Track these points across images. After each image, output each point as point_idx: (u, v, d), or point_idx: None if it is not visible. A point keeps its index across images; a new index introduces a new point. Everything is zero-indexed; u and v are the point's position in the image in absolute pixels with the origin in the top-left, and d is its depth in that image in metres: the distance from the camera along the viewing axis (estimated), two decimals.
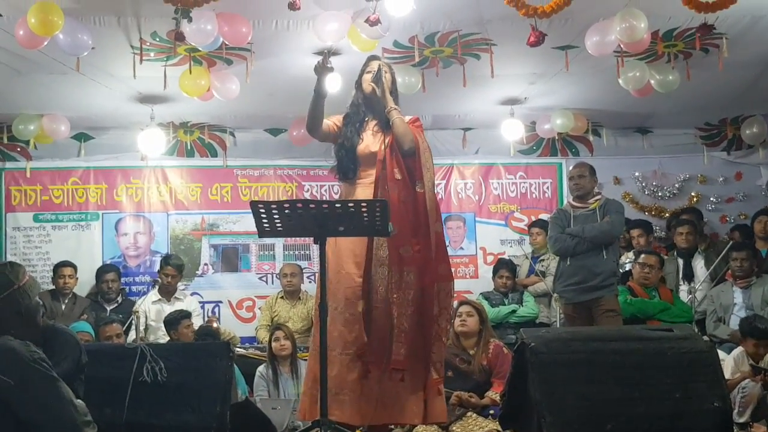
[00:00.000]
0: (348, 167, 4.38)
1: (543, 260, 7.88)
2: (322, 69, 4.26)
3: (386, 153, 4.26)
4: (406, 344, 4.12)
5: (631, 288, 6.89)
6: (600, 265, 6.22)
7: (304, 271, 8.20)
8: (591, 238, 6.25)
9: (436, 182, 4.48)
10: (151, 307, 7.68)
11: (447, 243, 4.79)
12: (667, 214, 8.84)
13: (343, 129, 4.46)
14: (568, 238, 6.33)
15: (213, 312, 8.43)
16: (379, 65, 4.43)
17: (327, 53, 4.37)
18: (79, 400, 3.49)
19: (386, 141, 4.31)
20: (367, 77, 4.44)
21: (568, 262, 6.36)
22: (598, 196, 6.52)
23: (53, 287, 7.79)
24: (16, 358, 3.32)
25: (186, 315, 7.05)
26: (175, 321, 6.95)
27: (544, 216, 8.58)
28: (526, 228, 8.64)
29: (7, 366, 3.29)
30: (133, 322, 7.10)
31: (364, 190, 4.31)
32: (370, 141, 4.38)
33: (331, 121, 4.52)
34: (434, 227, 4.27)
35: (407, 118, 4.38)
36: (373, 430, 4.28)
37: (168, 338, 7.00)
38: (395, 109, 4.32)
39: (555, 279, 6.67)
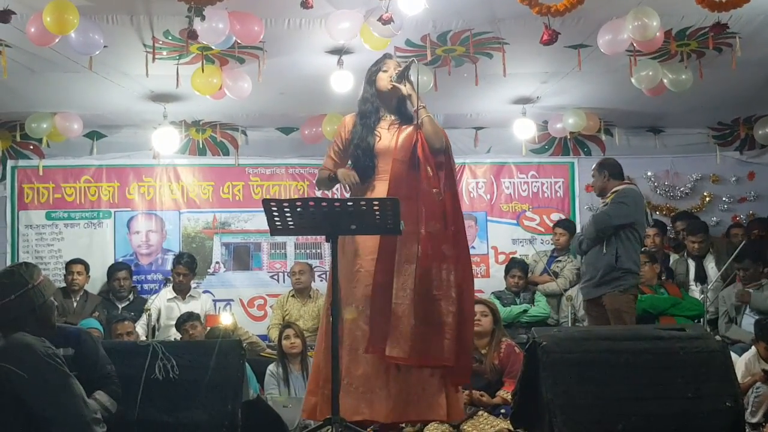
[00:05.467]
0: (367, 165, 4.33)
1: (560, 260, 7.86)
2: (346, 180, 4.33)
3: (418, 150, 4.20)
4: (453, 340, 4.08)
5: (639, 288, 6.85)
6: (599, 260, 6.04)
7: (315, 269, 8.21)
8: (587, 233, 6.20)
9: None
10: (165, 305, 7.72)
11: None
12: None
13: (354, 129, 4.42)
14: (578, 236, 6.32)
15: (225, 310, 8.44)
16: (407, 64, 4.33)
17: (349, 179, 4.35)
18: (90, 400, 3.52)
19: (407, 137, 4.28)
20: (384, 75, 4.39)
21: (582, 260, 6.36)
22: (618, 188, 6.18)
23: (65, 285, 7.80)
24: (30, 352, 3.35)
25: (193, 318, 7.04)
26: (180, 322, 7.01)
27: (555, 215, 8.58)
28: (537, 227, 8.64)
29: (21, 360, 3.33)
30: (145, 319, 7.15)
31: (383, 187, 4.24)
32: (387, 136, 4.35)
33: (330, 159, 4.51)
34: (464, 225, 4.31)
35: None
36: (385, 428, 4.27)
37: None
38: (423, 107, 4.29)
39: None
